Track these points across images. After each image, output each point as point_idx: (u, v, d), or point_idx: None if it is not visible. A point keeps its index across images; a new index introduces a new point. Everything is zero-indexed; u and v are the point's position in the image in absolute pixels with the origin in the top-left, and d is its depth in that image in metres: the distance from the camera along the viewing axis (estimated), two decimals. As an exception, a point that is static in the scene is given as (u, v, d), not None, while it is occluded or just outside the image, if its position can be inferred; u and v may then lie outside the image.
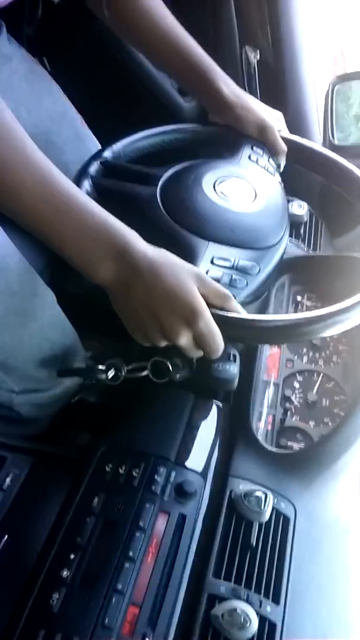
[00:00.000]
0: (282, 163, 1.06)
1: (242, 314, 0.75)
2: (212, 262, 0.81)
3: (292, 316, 0.75)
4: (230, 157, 0.99)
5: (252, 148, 1.01)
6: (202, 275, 0.74)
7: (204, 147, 1.06)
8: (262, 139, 1.02)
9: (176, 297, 0.70)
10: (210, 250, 0.82)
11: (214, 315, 0.72)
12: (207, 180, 0.90)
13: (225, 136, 1.04)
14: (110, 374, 0.82)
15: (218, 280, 0.78)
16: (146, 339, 0.75)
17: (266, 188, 0.94)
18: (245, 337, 0.80)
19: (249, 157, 0.99)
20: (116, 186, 0.89)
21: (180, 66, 1.01)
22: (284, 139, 1.04)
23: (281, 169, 1.05)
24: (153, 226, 0.82)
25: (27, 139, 0.71)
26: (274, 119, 1.04)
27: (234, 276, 0.80)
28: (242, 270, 0.81)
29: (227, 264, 0.81)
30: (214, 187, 0.90)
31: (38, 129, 1.02)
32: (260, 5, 1.15)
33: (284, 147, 1.04)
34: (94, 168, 0.90)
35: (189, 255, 0.80)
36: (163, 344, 0.74)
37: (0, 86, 0.98)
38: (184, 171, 0.93)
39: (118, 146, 0.96)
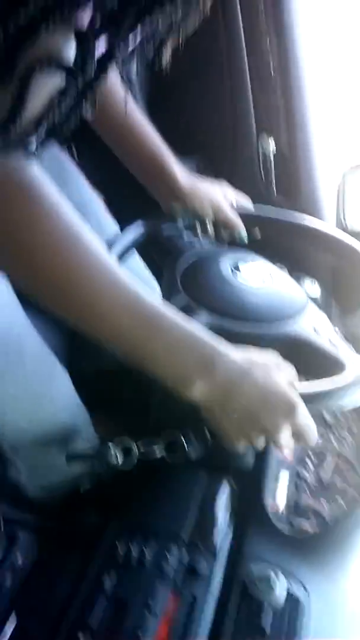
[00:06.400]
0: (244, 234, 1.10)
1: (324, 385, 0.77)
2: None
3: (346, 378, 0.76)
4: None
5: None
6: (280, 361, 0.74)
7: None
8: (216, 219, 1.07)
9: (273, 397, 0.70)
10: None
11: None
12: (225, 268, 0.93)
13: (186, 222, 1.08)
14: (121, 458, 0.78)
15: None
16: (246, 440, 0.73)
17: (265, 260, 0.99)
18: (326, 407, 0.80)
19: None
20: None
21: (136, 156, 1.04)
22: (246, 214, 1.10)
23: (245, 239, 1.10)
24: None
25: (113, 261, 0.70)
26: (222, 198, 1.08)
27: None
28: None
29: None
30: (236, 274, 0.93)
31: None
32: (275, 96, 1.21)
33: (235, 221, 1.08)
34: None
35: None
36: (264, 443, 0.73)
37: None
38: (198, 277, 0.94)
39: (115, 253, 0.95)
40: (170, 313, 0.71)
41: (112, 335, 0.69)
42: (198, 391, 0.70)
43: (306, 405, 0.72)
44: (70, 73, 0.47)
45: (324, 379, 0.77)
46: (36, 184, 0.65)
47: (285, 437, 0.71)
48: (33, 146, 0.54)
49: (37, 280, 0.67)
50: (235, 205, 1.11)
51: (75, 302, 0.68)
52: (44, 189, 0.66)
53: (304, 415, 0.71)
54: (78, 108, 0.52)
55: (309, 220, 1.10)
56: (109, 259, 0.69)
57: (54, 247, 0.65)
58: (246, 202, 1.14)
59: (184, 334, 0.70)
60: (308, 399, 0.72)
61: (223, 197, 1.09)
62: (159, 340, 0.69)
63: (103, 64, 0.48)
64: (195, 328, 0.71)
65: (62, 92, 0.50)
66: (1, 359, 0.82)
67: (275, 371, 0.72)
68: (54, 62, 0.46)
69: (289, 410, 0.70)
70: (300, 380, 0.85)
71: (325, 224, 1.12)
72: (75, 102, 0.51)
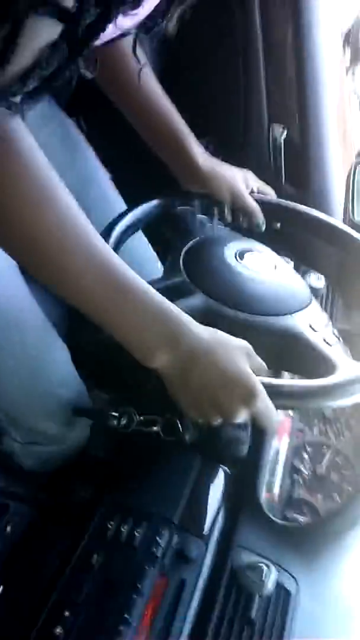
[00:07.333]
0: (261, 223, 1.09)
1: (291, 381, 0.78)
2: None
3: (328, 380, 0.75)
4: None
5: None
6: (250, 351, 0.74)
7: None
8: (235, 205, 1.07)
9: (234, 381, 0.70)
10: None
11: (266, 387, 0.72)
12: (230, 254, 0.92)
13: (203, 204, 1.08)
14: (123, 421, 0.81)
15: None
16: (202, 416, 0.74)
17: (272, 252, 0.98)
18: (293, 404, 0.79)
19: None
20: None
21: (157, 131, 1.03)
22: (265, 201, 1.09)
23: (262, 228, 1.09)
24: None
25: (90, 225, 0.70)
26: (242, 184, 1.07)
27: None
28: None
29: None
30: (239, 262, 0.91)
31: (68, 189, 1.06)
32: (289, 85, 1.20)
33: (253, 209, 1.07)
34: None
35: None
36: (219, 421, 0.73)
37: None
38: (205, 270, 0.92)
39: (116, 234, 0.93)
40: (142, 285, 0.71)
41: (79, 297, 0.70)
42: (159, 362, 0.71)
43: (272, 399, 0.71)
44: (65, 20, 0.46)
45: (308, 379, 0.76)
46: (15, 137, 0.64)
47: (242, 419, 0.71)
48: (17, 99, 0.54)
49: (8, 234, 0.66)
50: (256, 192, 1.10)
51: (44, 261, 0.68)
52: (23, 143, 0.65)
53: (263, 402, 0.70)
54: (70, 66, 0.51)
55: (322, 215, 1.09)
56: (85, 222, 0.69)
57: (26, 201, 0.65)
58: (268, 191, 1.13)
59: (151, 305, 0.71)
60: (275, 393, 0.72)
61: (243, 184, 1.08)
62: (124, 307, 0.69)
63: (100, 20, 0.47)
64: (165, 302, 0.72)
65: (54, 46, 0.49)
66: (1, 331, 0.82)
67: (240, 357, 0.72)
68: (51, 4, 0.45)
69: (247, 396, 0.70)
70: (293, 377, 0.84)
71: (337, 220, 1.11)
72: (66, 58, 0.50)
